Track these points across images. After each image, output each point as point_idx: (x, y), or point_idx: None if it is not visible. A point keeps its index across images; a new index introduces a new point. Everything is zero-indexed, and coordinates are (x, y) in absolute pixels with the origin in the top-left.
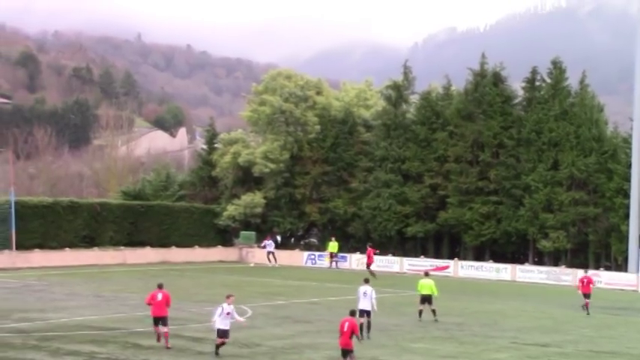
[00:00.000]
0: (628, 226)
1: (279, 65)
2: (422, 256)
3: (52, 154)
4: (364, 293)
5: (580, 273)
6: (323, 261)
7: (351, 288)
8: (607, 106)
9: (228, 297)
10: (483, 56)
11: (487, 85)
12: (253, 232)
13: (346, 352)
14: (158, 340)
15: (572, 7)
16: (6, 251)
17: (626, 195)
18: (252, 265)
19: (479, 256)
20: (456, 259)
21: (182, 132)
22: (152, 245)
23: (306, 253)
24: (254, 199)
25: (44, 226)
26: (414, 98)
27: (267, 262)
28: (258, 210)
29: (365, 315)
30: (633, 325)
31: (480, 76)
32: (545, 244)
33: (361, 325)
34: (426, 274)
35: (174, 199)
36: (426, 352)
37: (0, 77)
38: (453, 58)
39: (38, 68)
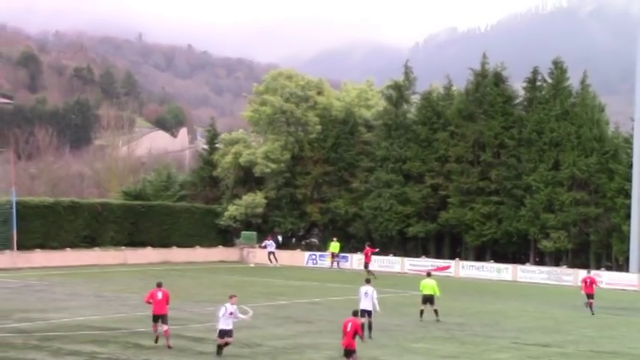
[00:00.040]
0: (629, 227)
1: (280, 65)
2: (423, 257)
3: (53, 154)
4: (365, 293)
5: (582, 273)
6: (324, 261)
7: (353, 288)
8: (608, 106)
9: (231, 297)
10: (484, 56)
11: (488, 85)
12: (254, 233)
13: (349, 352)
14: (156, 341)
15: (573, 7)
16: (7, 251)
17: (628, 195)
18: (252, 265)
19: (480, 257)
20: (457, 259)
21: (183, 132)
22: (153, 245)
23: (307, 254)
24: (255, 199)
25: (45, 226)
26: (415, 98)
27: (268, 262)
28: (259, 210)
29: (366, 315)
30: (634, 326)
31: (481, 76)
32: (546, 245)
33: (362, 326)
34: (429, 275)
35: (175, 200)
36: (427, 353)
37: (1, 77)
38: (454, 58)
39: (39, 68)
